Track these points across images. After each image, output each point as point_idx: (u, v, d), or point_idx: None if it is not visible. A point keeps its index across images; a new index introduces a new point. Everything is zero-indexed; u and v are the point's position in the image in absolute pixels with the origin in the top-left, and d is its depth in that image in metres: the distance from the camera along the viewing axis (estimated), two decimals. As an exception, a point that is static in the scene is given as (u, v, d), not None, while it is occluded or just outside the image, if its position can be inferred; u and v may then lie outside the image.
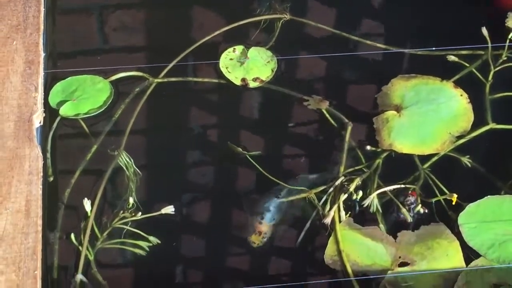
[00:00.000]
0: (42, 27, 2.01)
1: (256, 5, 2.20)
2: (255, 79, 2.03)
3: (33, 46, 1.96)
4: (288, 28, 2.15)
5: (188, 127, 1.98)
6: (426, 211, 1.79)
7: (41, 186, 1.75)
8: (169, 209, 1.79)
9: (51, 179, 1.83)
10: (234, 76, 2.04)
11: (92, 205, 1.79)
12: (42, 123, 1.87)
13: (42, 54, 1.97)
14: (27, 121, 1.83)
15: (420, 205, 1.78)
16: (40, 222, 1.69)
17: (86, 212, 1.77)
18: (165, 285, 1.73)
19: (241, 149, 1.89)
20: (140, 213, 1.78)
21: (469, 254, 1.73)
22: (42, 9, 2.04)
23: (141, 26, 2.18)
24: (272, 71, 2.05)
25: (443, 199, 1.80)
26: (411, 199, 1.78)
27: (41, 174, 1.76)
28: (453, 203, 1.77)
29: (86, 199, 1.78)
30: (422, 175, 1.85)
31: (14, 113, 1.85)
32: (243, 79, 2.03)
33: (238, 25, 2.16)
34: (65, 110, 1.94)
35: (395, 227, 1.78)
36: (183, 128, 1.98)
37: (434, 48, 2.08)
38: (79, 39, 2.13)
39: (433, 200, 1.80)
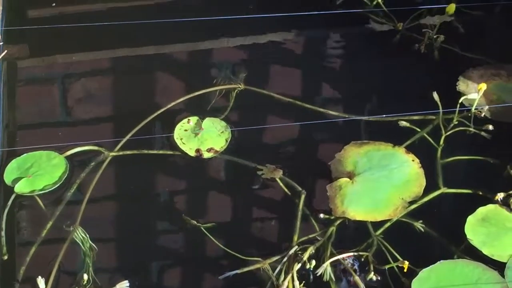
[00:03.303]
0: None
1: (212, 75, 2.23)
2: (209, 150, 2.05)
3: (-14, 125, 1.98)
4: (243, 98, 2.18)
5: (143, 200, 2.00)
6: (379, 278, 1.80)
7: (-8, 267, 1.75)
8: (124, 284, 1.79)
9: (6, 257, 1.83)
10: (189, 147, 2.06)
11: (46, 282, 1.78)
12: (-7, 203, 1.88)
13: (-5, 133, 1.99)
14: (-22, 202, 1.84)
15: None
16: (-9, 303, 1.69)
17: (40, 291, 1.77)
18: None
19: (195, 222, 1.90)
20: (94, 290, 1.78)
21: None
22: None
23: (93, 100, 2.20)
24: (226, 141, 2.07)
25: (395, 266, 1.80)
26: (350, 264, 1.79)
27: (-8, 254, 1.77)
28: (405, 270, 1.78)
29: (40, 277, 1.77)
30: (375, 242, 1.86)
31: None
32: (197, 150, 2.05)
33: (194, 95, 2.18)
34: (20, 187, 1.95)
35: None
36: (137, 201, 1.99)
37: (385, 115, 2.11)
38: (32, 117, 2.15)
39: (386, 267, 1.81)
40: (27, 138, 2.10)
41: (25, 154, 2.03)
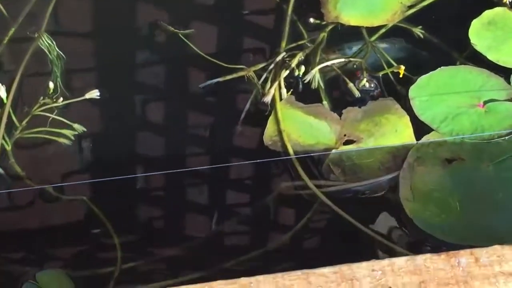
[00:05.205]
0: None
1: None
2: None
3: None
4: None
5: (117, 12, 1.82)
6: (372, 85, 1.65)
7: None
8: (94, 94, 1.64)
9: (-36, 67, 1.69)
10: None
11: (8, 91, 1.63)
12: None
13: None
14: None
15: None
16: None
17: (2, 99, 1.61)
18: (90, 174, 1.59)
19: (173, 28, 1.73)
20: (61, 98, 1.63)
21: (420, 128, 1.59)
22: None
23: None
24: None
25: (390, 72, 1.65)
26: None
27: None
28: (401, 76, 1.62)
29: (0, 84, 1.61)
30: (369, 48, 1.70)
31: None
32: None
33: None
34: (-21, -10, 1.78)
35: (341, 104, 1.64)
36: (110, 11, 1.82)
37: None
38: None
39: (381, 73, 1.65)
40: None
41: (-16, -46, 1.84)
